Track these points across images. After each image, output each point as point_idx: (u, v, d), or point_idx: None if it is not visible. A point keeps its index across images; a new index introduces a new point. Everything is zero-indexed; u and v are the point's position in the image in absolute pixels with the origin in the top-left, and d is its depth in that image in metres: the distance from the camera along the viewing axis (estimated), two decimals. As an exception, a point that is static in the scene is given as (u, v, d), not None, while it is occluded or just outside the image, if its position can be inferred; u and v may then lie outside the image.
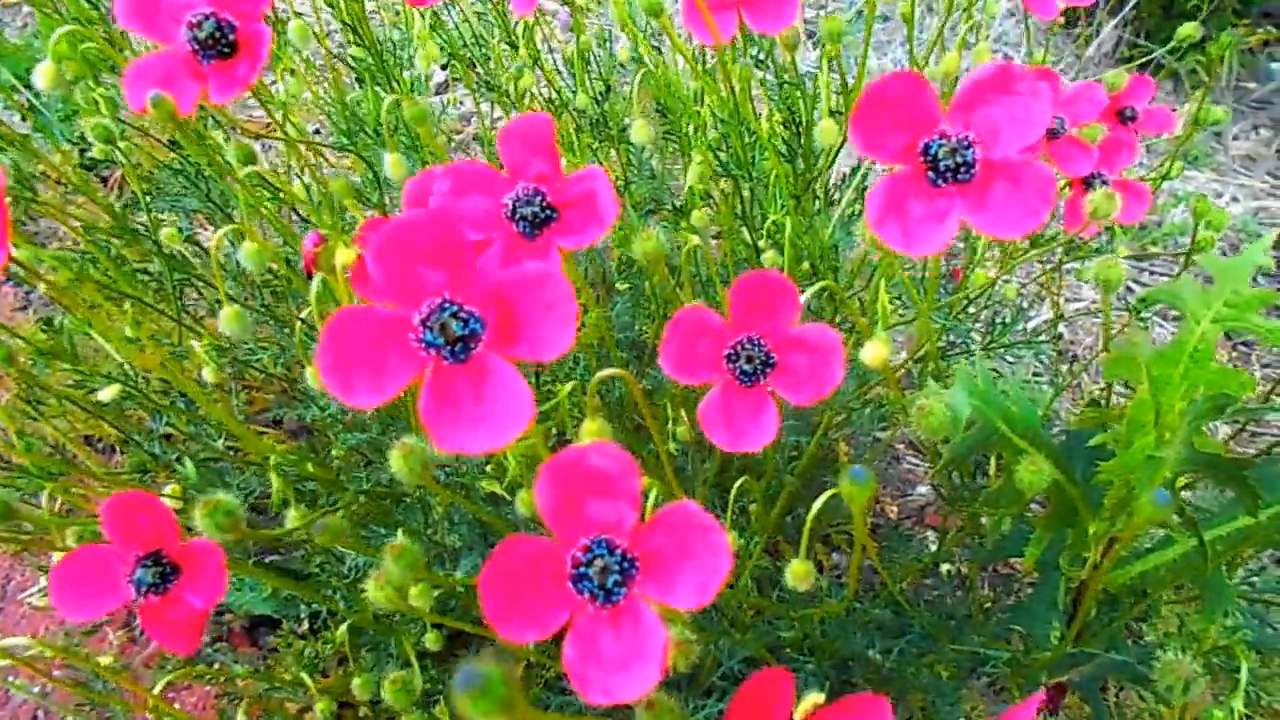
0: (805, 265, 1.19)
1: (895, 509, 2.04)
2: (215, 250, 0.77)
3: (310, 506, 1.05)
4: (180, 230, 1.36)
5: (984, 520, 0.99)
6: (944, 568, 1.21)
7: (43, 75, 0.94)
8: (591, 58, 1.60)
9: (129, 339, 1.20)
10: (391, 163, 0.96)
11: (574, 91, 1.50)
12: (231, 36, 0.74)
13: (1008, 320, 1.69)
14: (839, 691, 1.27)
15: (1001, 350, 1.76)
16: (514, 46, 1.35)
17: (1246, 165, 3.19)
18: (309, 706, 1.37)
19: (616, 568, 0.49)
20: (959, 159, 0.58)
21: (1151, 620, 1.18)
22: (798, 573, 0.76)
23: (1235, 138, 3.27)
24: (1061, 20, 3.45)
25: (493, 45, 1.43)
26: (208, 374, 1.14)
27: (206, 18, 0.74)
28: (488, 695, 0.32)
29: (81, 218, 1.24)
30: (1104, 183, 1.21)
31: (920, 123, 0.59)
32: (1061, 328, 2.51)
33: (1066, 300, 2.61)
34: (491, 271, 0.54)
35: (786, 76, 1.20)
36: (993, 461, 1.08)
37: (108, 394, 1.05)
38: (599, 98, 1.57)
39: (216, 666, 1.37)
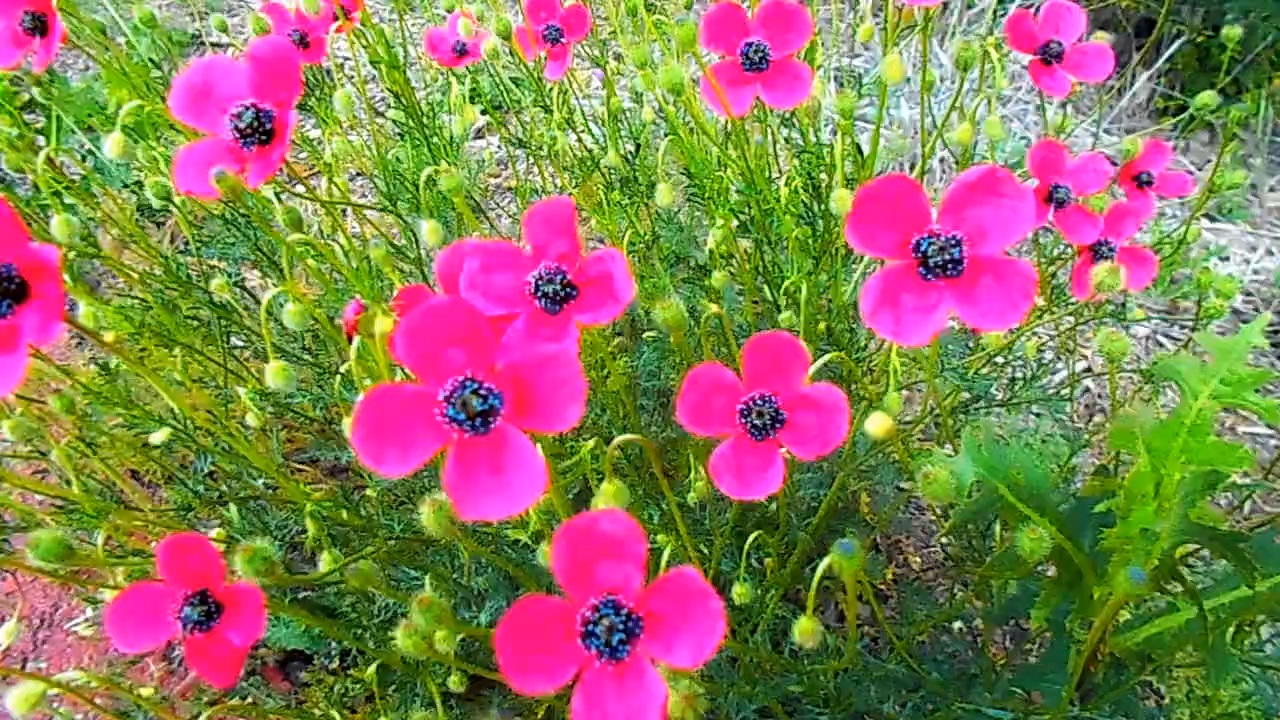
0: (822, 325, 1.23)
1: (919, 559, 2.06)
2: (265, 310, 0.83)
3: (343, 548, 1.10)
4: (230, 278, 1.44)
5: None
6: (956, 625, 1.23)
7: (112, 145, 1.02)
8: (624, 116, 1.66)
9: (178, 383, 1.27)
10: (429, 229, 1.03)
11: (605, 149, 1.56)
12: (269, 125, 0.81)
13: (1028, 377, 1.72)
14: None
15: (1024, 406, 1.79)
16: (547, 110, 1.41)
17: (1281, 218, 3.18)
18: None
19: (621, 627, 0.53)
20: (948, 256, 0.63)
21: (1165, 683, 1.19)
22: (804, 630, 0.79)
23: (1271, 190, 3.27)
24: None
25: (526, 105, 1.50)
26: (251, 419, 1.20)
27: (247, 108, 0.80)
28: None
29: (135, 265, 1.31)
30: (1111, 250, 1.24)
31: (912, 221, 0.64)
32: (1089, 382, 2.53)
33: (1094, 354, 2.63)
34: (509, 351, 0.59)
35: (804, 144, 1.25)
36: (998, 525, 1.11)
37: (159, 437, 1.11)
38: (629, 156, 1.63)
39: (249, 700, 1.42)
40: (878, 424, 0.77)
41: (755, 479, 0.77)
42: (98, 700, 1.15)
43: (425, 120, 1.28)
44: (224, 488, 1.41)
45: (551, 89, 1.44)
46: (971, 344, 1.58)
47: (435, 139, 1.44)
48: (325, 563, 0.90)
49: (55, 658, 1.60)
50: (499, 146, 2.80)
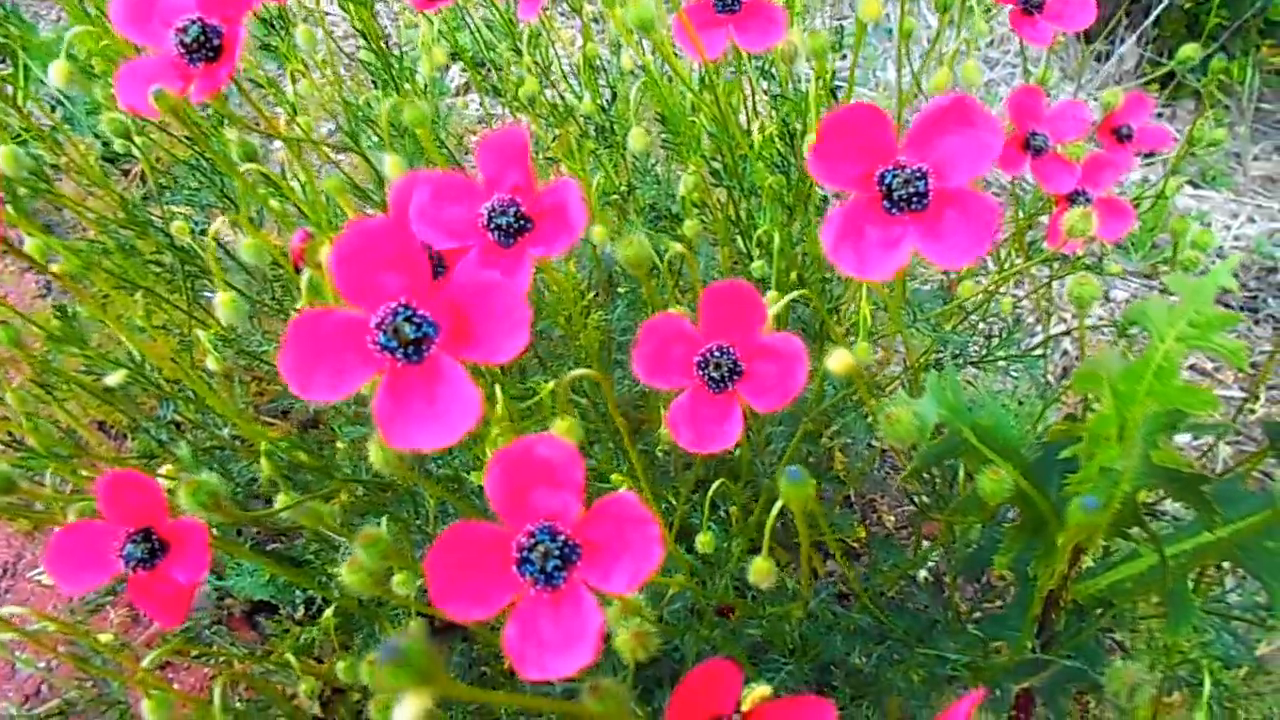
0: (794, 276, 1.22)
1: (892, 518, 2.06)
2: (212, 240, 0.81)
3: (304, 494, 1.09)
4: (193, 224, 1.41)
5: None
6: (921, 574, 1.23)
7: (56, 72, 0.99)
8: (601, 64, 1.63)
9: (140, 328, 1.25)
10: (391, 164, 1.00)
11: (580, 98, 1.53)
12: (217, 41, 0.78)
13: (1003, 335, 1.71)
14: (817, 693, 1.29)
15: (1001, 365, 1.78)
16: (519, 53, 1.38)
17: (1265, 186, 3.17)
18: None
19: (558, 553, 0.52)
20: (913, 189, 0.61)
21: (1127, 633, 1.19)
22: (759, 570, 0.79)
23: (1255, 158, 3.26)
24: (1074, 36, 3.44)
25: (501, 51, 1.47)
26: (211, 363, 1.18)
27: (193, 23, 0.78)
28: (407, 667, 0.35)
29: (100, 210, 1.28)
30: (1088, 200, 1.22)
31: (877, 152, 0.62)
32: (1067, 344, 2.52)
33: (1073, 316, 2.62)
34: (451, 282, 0.58)
35: (779, 90, 1.23)
36: (962, 471, 1.10)
37: (114, 379, 1.09)
38: (605, 105, 1.60)
39: (215, 649, 1.41)
40: (839, 361, 0.75)
41: (713, 432, 0.75)
42: (60, 648, 1.14)
43: (394, 61, 1.25)
44: (189, 437, 1.39)
45: (524, 33, 1.41)
46: (946, 299, 1.57)
47: (407, 84, 1.41)
48: (280, 502, 0.89)
49: (19, 603, 1.59)
50: (478, 105, 2.76)
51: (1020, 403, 2.03)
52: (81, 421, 1.51)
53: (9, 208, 0.89)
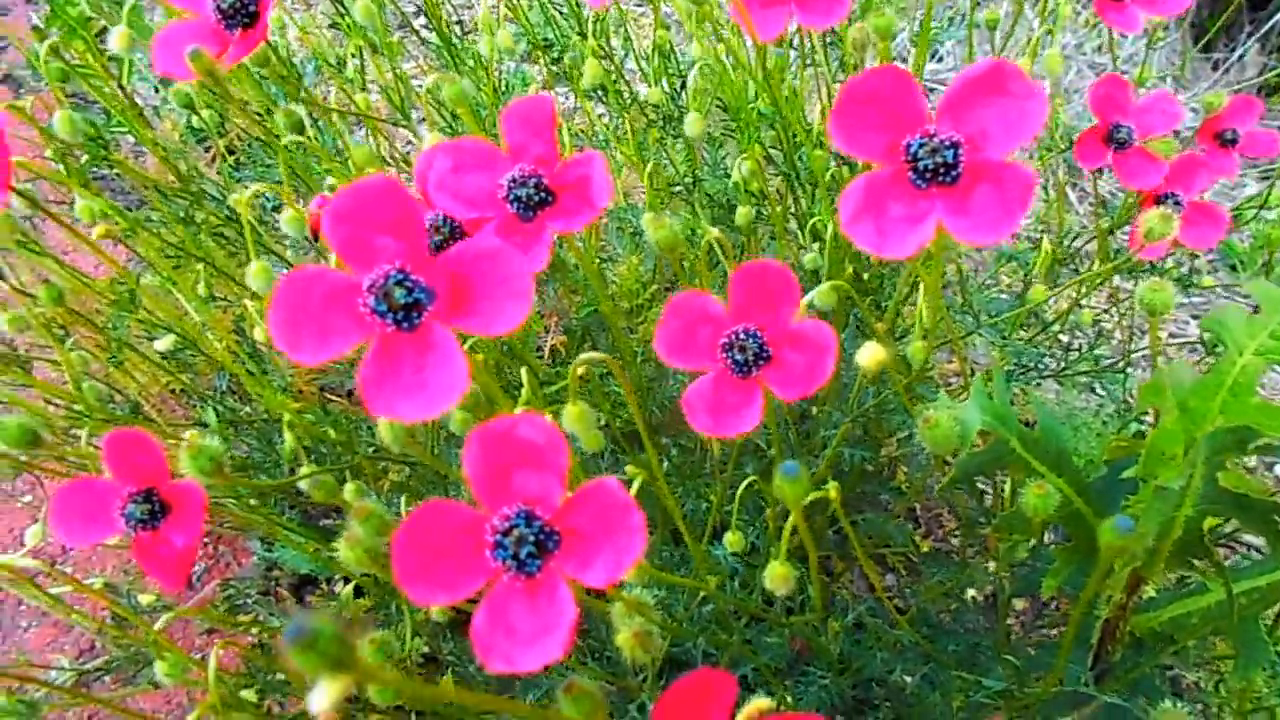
0: (850, 270, 1.16)
1: (956, 521, 1.97)
2: (245, 207, 0.80)
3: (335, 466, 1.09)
4: (265, 199, 1.42)
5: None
6: (969, 593, 1.16)
7: (116, 39, 1.00)
8: (673, 50, 1.60)
9: (202, 298, 1.27)
10: (430, 140, 0.99)
11: (653, 82, 1.49)
12: (253, 8, 0.77)
13: (1082, 348, 1.62)
14: (856, 710, 1.24)
15: (1083, 380, 1.69)
16: (583, 37, 1.36)
17: (1389, 204, 2.95)
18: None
19: (532, 539, 0.49)
20: (941, 159, 0.56)
21: (1190, 666, 1.11)
22: (775, 575, 0.74)
23: (1380, 174, 3.03)
24: (1187, 38, 3.26)
25: (572, 37, 1.45)
26: (259, 334, 1.19)
27: (234, -12, 0.77)
28: (316, 650, 0.32)
29: (164, 183, 1.30)
30: (1178, 204, 1.14)
31: (905, 121, 0.57)
32: (1161, 361, 2.39)
33: (1170, 334, 2.48)
34: (451, 249, 0.55)
35: (845, 72, 1.17)
36: (1008, 484, 1.03)
37: (164, 344, 1.11)
38: (674, 93, 1.57)
39: (257, 618, 1.43)
40: (869, 356, 0.71)
41: (732, 417, 0.71)
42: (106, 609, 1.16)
43: (456, 41, 1.24)
44: (236, 406, 1.41)
45: (590, 18, 1.38)
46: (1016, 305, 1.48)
47: (471, 63, 1.40)
48: (302, 473, 0.88)
49: (81, 563, 1.63)
50: (567, 95, 2.75)
51: (1105, 422, 1.93)
52: (153, 389, 1.55)
53: (61, 168, 0.91)
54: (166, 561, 0.71)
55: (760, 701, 0.59)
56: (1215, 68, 3.32)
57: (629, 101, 1.50)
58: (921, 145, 0.56)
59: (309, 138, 0.95)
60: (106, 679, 1.40)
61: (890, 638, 1.15)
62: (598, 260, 1.70)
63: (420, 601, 0.49)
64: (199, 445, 0.65)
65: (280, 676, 1.27)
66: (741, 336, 0.71)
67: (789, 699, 1.02)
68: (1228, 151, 1.29)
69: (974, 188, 0.56)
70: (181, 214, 1.22)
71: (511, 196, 0.68)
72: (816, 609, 0.80)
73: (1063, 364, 1.64)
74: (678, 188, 1.57)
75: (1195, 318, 2.54)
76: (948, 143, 0.56)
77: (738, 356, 0.71)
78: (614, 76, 1.49)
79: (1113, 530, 0.51)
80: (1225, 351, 0.80)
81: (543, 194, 0.68)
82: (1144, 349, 2.11)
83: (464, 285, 0.54)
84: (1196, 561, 0.85)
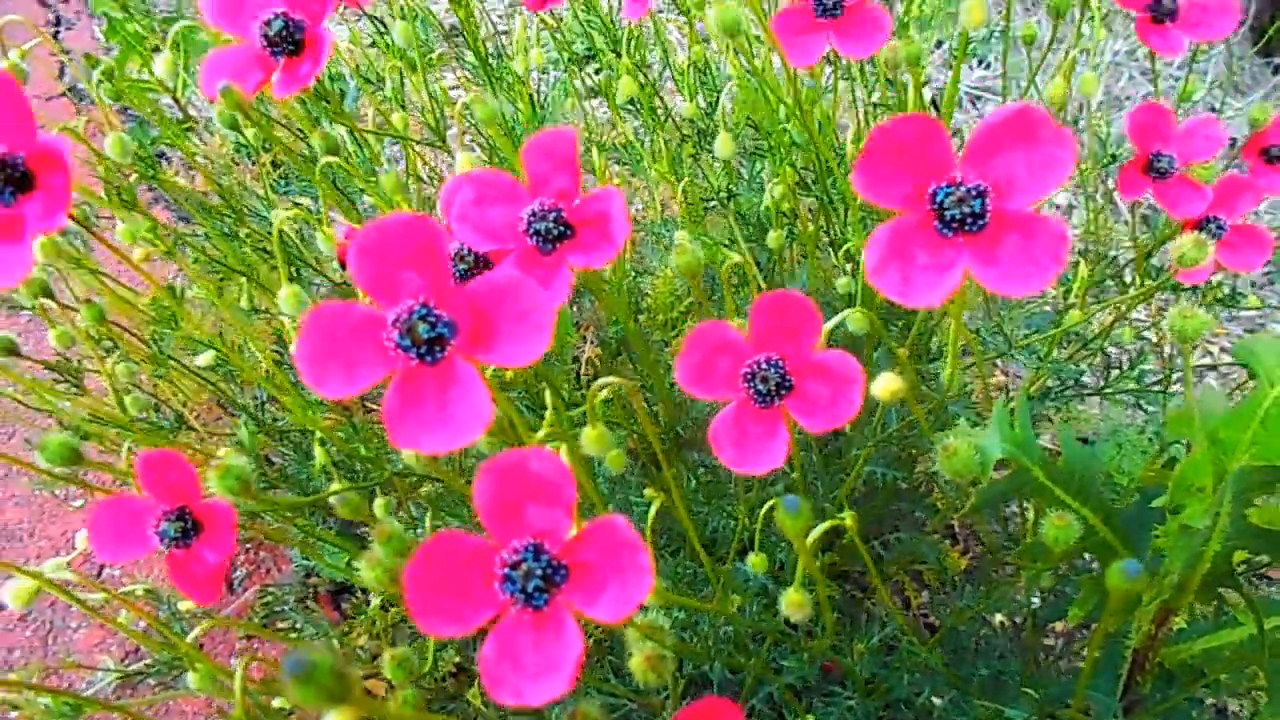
0: (881, 298, 1.16)
1: (995, 538, 1.95)
2: (276, 230, 0.83)
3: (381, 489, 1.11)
4: (312, 213, 1.45)
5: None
6: (997, 618, 1.15)
7: (163, 65, 1.04)
8: (709, 66, 1.60)
9: (243, 311, 1.30)
10: (462, 161, 1.01)
11: (690, 96, 1.50)
12: (299, 35, 0.79)
13: (1124, 366, 1.60)
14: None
15: (1125, 398, 1.66)
16: (618, 54, 1.37)
17: None
18: (374, 674, 1.44)
19: (540, 573, 0.50)
20: (968, 209, 0.56)
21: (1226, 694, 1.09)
22: (792, 601, 0.75)
23: None
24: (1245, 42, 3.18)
25: (607, 53, 1.46)
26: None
27: (277, 16, 0.79)
28: (313, 683, 0.34)
29: (208, 199, 1.34)
30: (1221, 228, 1.12)
31: (930, 168, 0.57)
32: (1212, 378, 2.34)
33: (1222, 348, 2.43)
34: (472, 282, 0.56)
35: (875, 98, 1.17)
36: (1032, 512, 1.03)
37: (204, 359, 1.14)
38: (709, 109, 1.57)
39: (294, 625, 1.46)
40: (885, 385, 0.71)
41: (758, 450, 0.72)
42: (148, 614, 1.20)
43: (490, 61, 1.26)
44: (287, 418, 1.44)
45: (625, 34, 1.40)
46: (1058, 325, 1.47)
47: (507, 78, 1.42)
48: (332, 489, 0.90)
49: (129, 566, 1.68)
50: (603, 106, 2.76)
51: (1150, 439, 1.90)
52: (198, 398, 1.59)
53: (104, 194, 0.94)
54: (199, 578, 0.73)
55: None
56: (1276, 71, 3.24)
57: (663, 118, 1.51)
58: (948, 194, 0.56)
59: (345, 158, 0.97)
60: (150, 680, 1.44)
61: (918, 661, 1.14)
62: (633, 274, 1.71)
63: (431, 632, 0.50)
64: (226, 465, 0.67)
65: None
66: (763, 366, 0.72)
67: (811, 719, 1.02)
68: (1274, 168, 1.27)
69: (1002, 237, 0.56)
70: (225, 230, 1.26)
71: (531, 230, 0.69)
72: (829, 635, 0.80)
73: (1104, 381, 1.62)
74: (712, 203, 1.58)
75: (1250, 332, 2.48)
76: (974, 192, 0.56)
77: (760, 386, 0.71)
78: (649, 91, 1.51)
79: (1120, 574, 0.51)
80: (1258, 382, 0.79)
81: (562, 228, 0.69)
82: (1193, 365, 2.07)
83: (486, 319, 0.56)
84: (1227, 594, 0.84)
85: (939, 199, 0.57)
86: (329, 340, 0.55)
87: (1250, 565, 0.99)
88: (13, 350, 1.09)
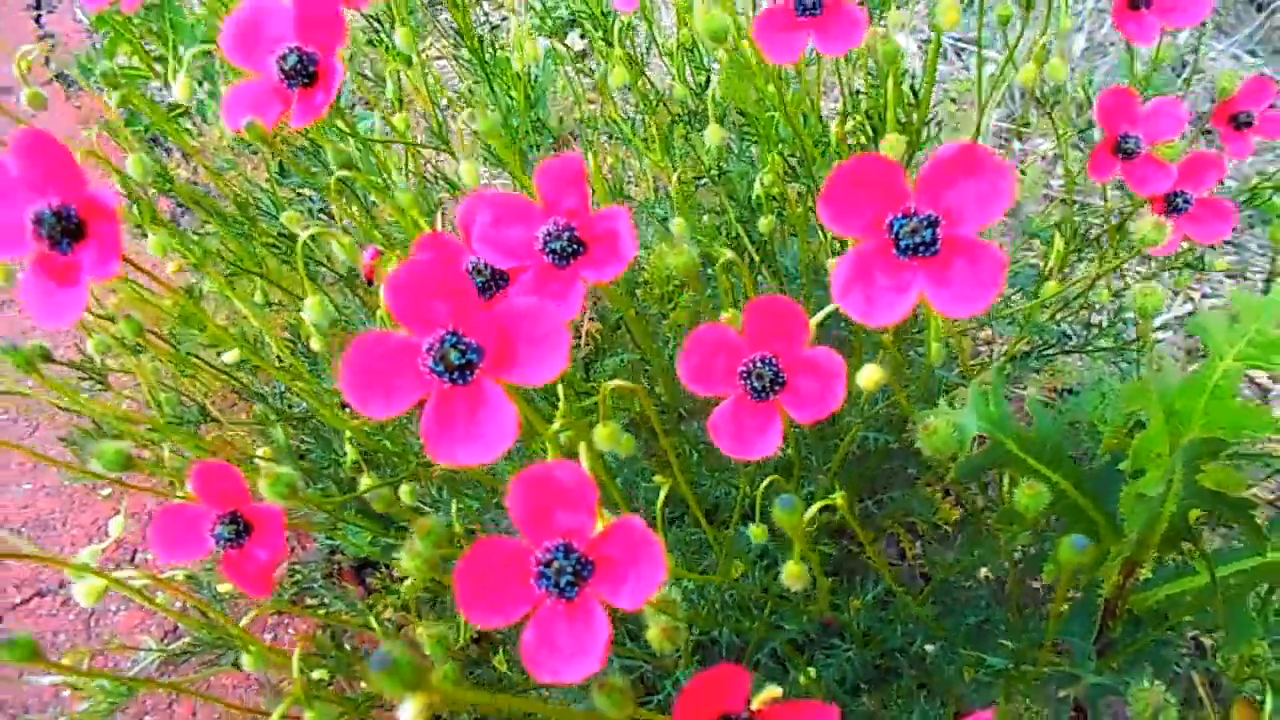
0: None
1: (981, 500, 2.04)
2: (301, 249, 0.89)
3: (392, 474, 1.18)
4: (311, 201, 1.51)
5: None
6: (982, 572, 1.24)
7: (179, 88, 1.09)
8: (695, 47, 1.65)
9: (259, 305, 1.36)
10: (466, 171, 1.07)
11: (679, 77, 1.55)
12: (312, 68, 0.85)
13: (1102, 324, 1.67)
14: (880, 679, 1.33)
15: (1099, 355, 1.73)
16: (609, 44, 1.42)
17: None
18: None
19: (571, 570, 0.58)
20: (920, 238, 0.63)
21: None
22: (791, 574, 0.82)
23: None
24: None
25: (594, 40, 1.51)
26: (315, 344, 1.28)
27: (291, 50, 0.85)
28: (395, 675, 0.41)
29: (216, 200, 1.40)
30: (1187, 202, 1.18)
31: (888, 199, 0.64)
32: (1169, 334, 2.42)
33: (1203, 297, 2.50)
34: (496, 308, 0.63)
35: (864, 89, 1.23)
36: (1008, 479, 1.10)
37: (230, 357, 1.21)
38: (699, 89, 1.62)
39: (322, 601, 1.55)
40: (868, 376, 0.78)
41: (754, 439, 0.79)
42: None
43: (487, 56, 1.31)
44: (305, 405, 1.52)
45: (614, 22, 1.44)
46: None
47: (501, 76, 1.47)
48: (363, 485, 0.98)
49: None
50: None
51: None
52: (220, 393, 1.66)
53: (134, 210, 1.00)
54: (252, 574, 0.81)
55: (772, 690, 0.68)
56: (1260, 9, 3.26)
57: (655, 101, 1.56)
58: (903, 224, 0.63)
59: (355, 164, 1.03)
60: (191, 659, 1.53)
61: (910, 613, 1.23)
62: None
63: (479, 624, 0.58)
64: (276, 474, 0.75)
65: (345, 656, 1.39)
66: (758, 364, 0.79)
67: (812, 671, 1.11)
68: (1242, 134, 1.33)
69: (952, 261, 0.63)
70: (238, 232, 1.32)
71: (547, 248, 0.75)
72: (825, 598, 0.88)
73: (1084, 340, 1.70)
74: (703, 181, 1.63)
75: (1231, 277, 2.55)
76: (927, 221, 0.63)
77: (755, 384, 0.79)
78: (636, 73, 1.55)
79: (1069, 549, 0.58)
80: (1208, 356, 0.87)
81: (575, 245, 0.76)
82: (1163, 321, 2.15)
83: (509, 342, 0.63)
84: (1186, 547, 0.92)
85: (895, 228, 0.64)
86: (370, 368, 0.62)
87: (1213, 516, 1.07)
88: (48, 357, 1.16)
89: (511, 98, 1.50)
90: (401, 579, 1.59)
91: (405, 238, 1.14)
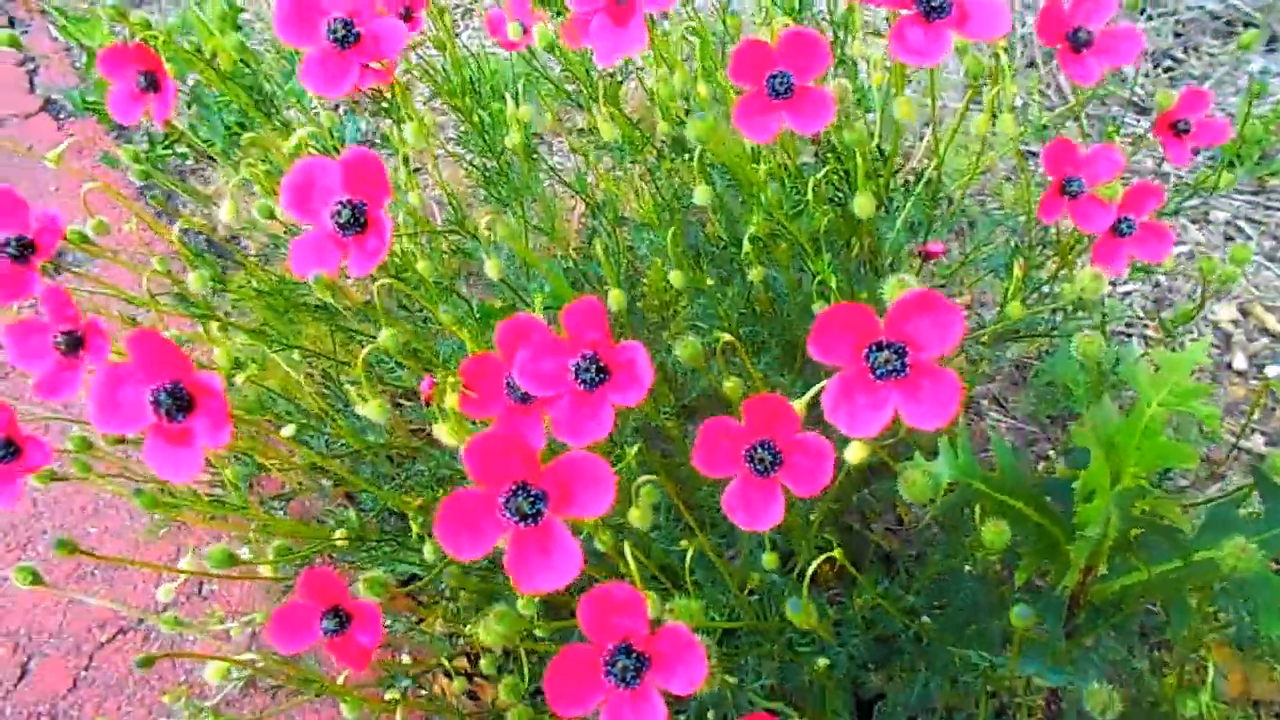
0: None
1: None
2: (362, 360, 1.03)
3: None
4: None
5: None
6: (966, 567, 1.41)
7: (227, 212, 1.23)
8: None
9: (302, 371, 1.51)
10: (491, 267, 1.21)
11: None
12: (362, 218, 0.99)
13: (1069, 309, 1.83)
14: (883, 661, 1.51)
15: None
16: (594, 99, 1.54)
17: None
18: (454, 655, 1.72)
19: (633, 666, 0.75)
20: (892, 366, 0.79)
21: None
22: (800, 617, 1.00)
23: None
24: None
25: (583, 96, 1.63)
26: (371, 412, 1.41)
27: (343, 205, 0.99)
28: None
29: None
30: (1131, 226, 1.32)
31: (863, 333, 0.80)
32: (1160, 277, 2.58)
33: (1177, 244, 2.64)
34: (557, 427, 0.80)
35: (836, 150, 1.36)
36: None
37: (288, 431, 1.36)
38: (681, 120, 1.75)
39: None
40: (854, 453, 0.94)
41: (762, 512, 0.95)
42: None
43: (486, 134, 1.44)
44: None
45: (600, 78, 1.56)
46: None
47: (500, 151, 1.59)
48: (428, 552, 1.14)
49: (224, 584, 1.94)
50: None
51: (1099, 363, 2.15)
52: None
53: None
54: (353, 656, 0.98)
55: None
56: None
57: (641, 142, 1.69)
58: (878, 355, 0.79)
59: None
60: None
61: (905, 603, 1.42)
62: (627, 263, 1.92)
63: (567, 716, 0.75)
64: (372, 577, 0.92)
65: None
66: (759, 449, 0.95)
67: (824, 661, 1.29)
68: (1182, 140, 1.48)
69: (920, 382, 0.79)
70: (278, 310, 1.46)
71: (579, 377, 0.91)
72: (826, 636, 1.05)
73: (1054, 326, 1.86)
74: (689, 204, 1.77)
75: (1194, 223, 2.69)
76: (897, 351, 0.79)
77: (758, 466, 0.95)
78: (622, 119, 1.68)
79: (1018, 617, 0.75)
80: (1138, 401, 1.03)
81: (602, 373, 0.91)
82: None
83: (567, 487, 0.79)
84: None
85: (871, 357, 0.80)
86: (459, 519, 0.78)
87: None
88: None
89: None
90: (451, 594, 1.77)
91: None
